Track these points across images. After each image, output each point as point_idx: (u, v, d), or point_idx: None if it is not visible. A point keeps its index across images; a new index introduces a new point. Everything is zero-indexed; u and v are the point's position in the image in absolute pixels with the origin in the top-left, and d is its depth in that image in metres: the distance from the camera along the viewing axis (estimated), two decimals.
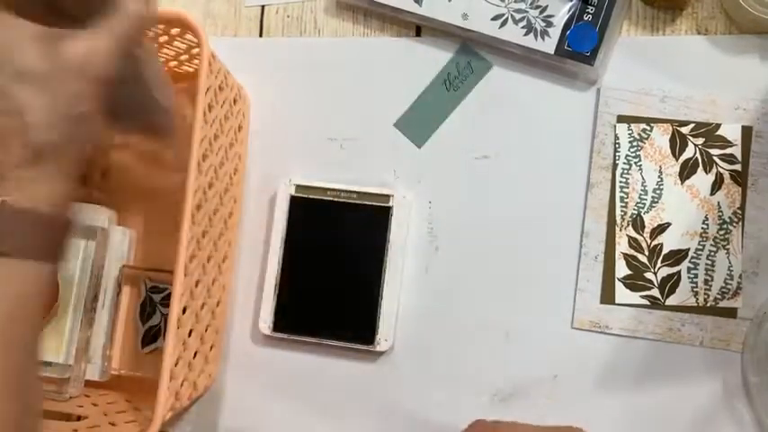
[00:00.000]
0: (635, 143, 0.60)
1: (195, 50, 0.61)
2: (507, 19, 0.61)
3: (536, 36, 0.61)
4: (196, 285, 0.56)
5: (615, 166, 0.60)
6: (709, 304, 0.58)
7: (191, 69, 0.66)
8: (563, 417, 0.59)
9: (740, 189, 0.58)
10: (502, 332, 0.61)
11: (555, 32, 0.60)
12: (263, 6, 0.69)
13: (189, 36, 0.57)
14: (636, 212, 0.59)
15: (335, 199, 0.63)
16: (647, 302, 0.58)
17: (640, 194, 0.59)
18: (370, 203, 0.62)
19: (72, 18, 0.37)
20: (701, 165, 0.59)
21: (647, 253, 0.59)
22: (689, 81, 0.60)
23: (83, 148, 0.37)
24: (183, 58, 0.63)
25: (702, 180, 0.59)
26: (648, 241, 0.59)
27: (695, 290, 0.58)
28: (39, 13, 0.36)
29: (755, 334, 0.56)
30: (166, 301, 0.65)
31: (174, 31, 0.56)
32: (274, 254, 0.63)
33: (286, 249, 0.63)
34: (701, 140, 0.59)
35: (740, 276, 0.57)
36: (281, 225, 0.64)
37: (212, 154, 0.57)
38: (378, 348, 0.61)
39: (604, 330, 0.59)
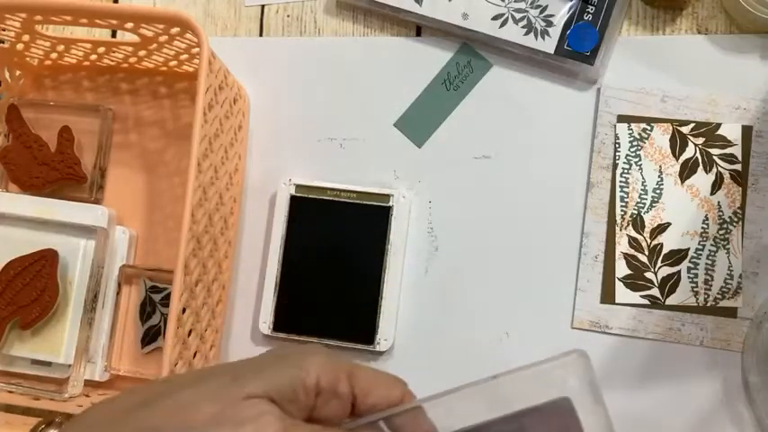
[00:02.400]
0: (635, 143, 0.60)
1: (195, 50, 0.61)
2: (507, 19, 0.61)
3: (536, 36, 0.61)
4: (196, 285, 0.56)
5: (615, 165, 0.60)
6: (709, 304, 0.58)
7: (191, 69, 0.66)
8: None
9: (740, 189, 0.58)
10: (502, 332, 0.61)
11: (555, 32, 0.60)
12: (262, 6, 0.69)
13: (189, 36, 0.57)
14: (636, 212, 0.59)
15: (335, 199, 0.63)
16: (648, 302, 0.58)
17: (640, 194, 0.59)
18: (370, 203, 0.62)
19: None
20: (701, 164, 0.59)
21: (647, 253, 0.59)
22: (689, 81, 0.60)
23: None
24: (182, 57, 0.63)
25: (702, 180, 0.59)
26: (648, 241, 0.59)
27: (695, 290, 0.58)
28: None
29: (755, 334, 0.56)
30: (166, 301, 0.65)
31: (174, 30, 0.56)
32: (274, 254, 0.63)
33: (286, 249, 0.63)
34: (701, 140, 0.59)
35: (740, 276, 0.57)
36: (280, 225, 0.64)
37: (212, 153, 0.57)
38: (378, 348, 0.61)
39: (604, 330, 0.59)
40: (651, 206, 0.59)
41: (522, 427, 0.33)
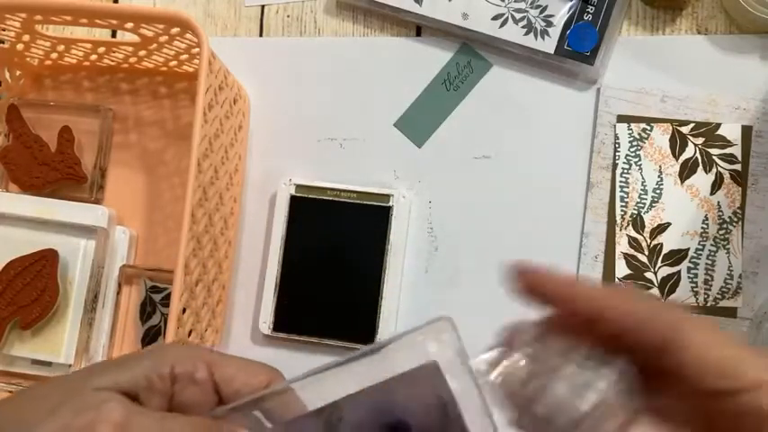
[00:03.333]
0: (635, 143, 0.60)
1: (195, 50, 0.61)
2: (507, 19, 0.61)
3: (536, 36, 0.61)
4: (196, 285, 0.56)
5: (615, 165, 0.60)
6: (709, 304, 0.58)
7: (191, 69, 0.66)
8: None
9: (740, 189, 0.58)
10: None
11: (555, 32, 0.60)
12: (262, 6, 0.69)
13: (189, 36, 0.57)
14: (636, 212, 0.59)
15: (335, 199, 0.63)
16: None
17: (640, 194, 0.59)
18: (370, 203, 0.62)
19: None
20: (700, 164, 0.59)
21: (647, 253, 0.59)
22: (689, 81, 0.60)
23: None
24: (183, 57, 0.63)
25: (702, 180, 0.59)
26: (648, 241, 0.59)
27: (695, 290, 0.58)
28: None
29: (755, 334, 0.56)
30: (166, 301, 0.65)
31: (174, 30, 0.56)
32: (274, 254, 0.63)
33: (286, 249, 0.63)
34: (701, 140, 0.59)
35: (740, 276, 0.57)
36: (281, 225, 0.64)
37: (212, 153, 0.57)
38: None
39: None
40: (651, 206, 0.59)
41: (390, 392, 0.33)
